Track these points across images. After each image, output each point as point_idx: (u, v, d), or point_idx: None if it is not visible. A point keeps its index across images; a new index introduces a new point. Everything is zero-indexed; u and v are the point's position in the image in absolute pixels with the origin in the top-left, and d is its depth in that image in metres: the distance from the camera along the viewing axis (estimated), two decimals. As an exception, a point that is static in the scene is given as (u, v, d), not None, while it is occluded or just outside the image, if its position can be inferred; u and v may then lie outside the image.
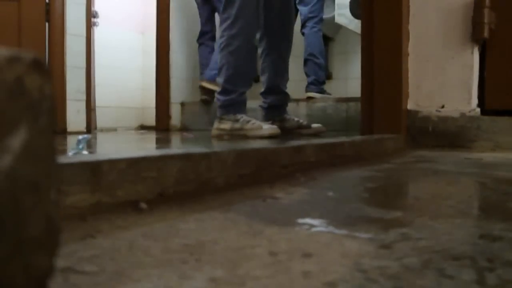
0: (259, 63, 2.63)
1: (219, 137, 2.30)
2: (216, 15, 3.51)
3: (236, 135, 2.25)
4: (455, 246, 0.54)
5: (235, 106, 2.30)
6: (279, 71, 2.54)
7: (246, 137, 2.20)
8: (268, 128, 2.22)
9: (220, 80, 2.33)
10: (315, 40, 3.51)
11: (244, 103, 2.36)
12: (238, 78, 2.29)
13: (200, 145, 1.70)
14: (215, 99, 2.42)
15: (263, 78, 2.58)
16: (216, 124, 2.36)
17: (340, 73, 4.30)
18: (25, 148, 0.30)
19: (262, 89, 2.59)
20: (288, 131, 2.55)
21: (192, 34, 3.89)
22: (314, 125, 2.60)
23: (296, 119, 2.62)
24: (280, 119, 2.57)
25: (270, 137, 2.17)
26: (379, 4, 2.14)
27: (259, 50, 2.58)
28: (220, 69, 2.32)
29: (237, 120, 2.27)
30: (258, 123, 2.26)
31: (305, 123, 2.61)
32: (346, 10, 3.67)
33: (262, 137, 2.16)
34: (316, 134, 2.51)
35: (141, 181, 0.75)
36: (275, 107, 2.58)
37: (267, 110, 2.60)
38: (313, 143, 1.34)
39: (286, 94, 2.62)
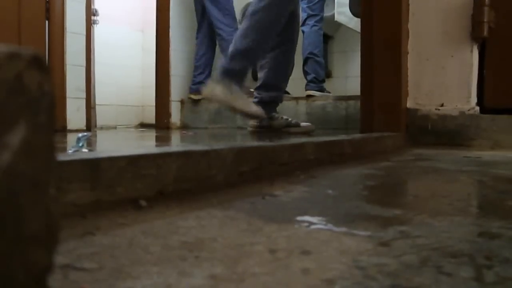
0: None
1: (209, 100, 2.29)
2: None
3: (225, 104, 2.26)
4: (454, 243, 0.54)
5: (235, 75, 2.29)
6: (280, 69, 2.53)
7: (233, 109, 2.24)
8: (255, 110, 2.24)
9: (232, 46, 2.32)
10: (315, 39, 3.50)
11: (244, 74, 2.34)
12: (252, 52, 2.29)
13: (199, 143, 1.70)
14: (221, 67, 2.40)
15: (260, 74, 2.57)
16: (211, 85, 2.33)
17: (339, 71, 4.30)
18: (25, 145, 0.30)
19: (258, 84, 2.58)
20: (276, 130, 2.54)
21: (192, 31, 3.88)
22: (303, 124, 2.59)
23: (284, 117, 2.60)
24: (269, 117, 2.57)
25: (253, 117, 2.23)
26: (379, 3, 2.13)
27: None
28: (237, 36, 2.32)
29: (230, 90, 2.27)
30: (249, 101, 2.28)
31: (294, 121, 2.59)
32: (346, 9, 3.66)
33: (246, 115, 2.21)
34: (305, 133, 2.50)
35: (141, 179, 0.76)
36: (265, 103, 2.56)
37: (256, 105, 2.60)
38: (312, 141, 1.34)
39: (282, 93, 2.61)
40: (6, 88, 0.29)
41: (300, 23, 3.60)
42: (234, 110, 2.23)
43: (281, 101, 2.66)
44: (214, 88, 2.29)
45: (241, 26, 2.33)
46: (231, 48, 2.32)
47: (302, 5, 3.55)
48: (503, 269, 0.45)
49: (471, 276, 0.43)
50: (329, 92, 3.59)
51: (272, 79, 2.53)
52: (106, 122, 4.59)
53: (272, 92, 2.55)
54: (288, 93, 3.77)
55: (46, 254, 0.33)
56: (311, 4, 3.52)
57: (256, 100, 2.58)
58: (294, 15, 2.50)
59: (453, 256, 0.49)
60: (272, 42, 2.36)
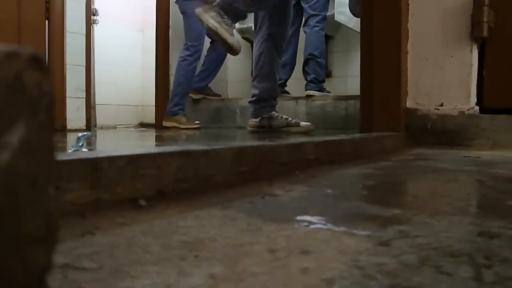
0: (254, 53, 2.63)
1: (199, 18, 2.37)
2: None
3: (210, 26, 2.32)
4: (453, 243, 0.54)
5: (229, 10, 2.36)
6: (275, 58, 2.54)
7: (216, 34, 2.31)
8: (235, 42, 2.33)
9: None
10: (315, 40, 3.48)
11: (238, 15, 2.42)
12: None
13: (199, 143, 1.70)
14: None
15: (255, 66, 2.58)
16: (207, 7, 2.39)
17: (339, 71, 4.30)
18: (24, 145, 0.30)
19: (255, 74, 2.59)
20: (276, 129, 2.54)
21: (192, 31, 3.88)
22: (303, 123, 2.59)
23: (284, 117, 2.60)
24: (268, 117, 2.56)
25: (229, 47, 2.33)
26: (379, 3, 2.13)
27: (257, 38, 2.57)
28: None
29: (221, 18, 2.33)
30: (232, 34, 2.35)
31: (293, 121, 2.59)
32: (346, 8, 3.66)
33: (225, 43, 2.31)
34: (305, 132, 2.50)
35: (140, 178, 0.76)
36: (263, 100, 2.57)
37: (255, 105, 2.59)
38: (312, 140, 1.34)
39: (277, 84, 2.62)
40: (5, 87, 0.29)
41: (302, 24, 3.60)
42: (216, 34, 2.31)
43: (277, 95, 2.66)
44: (208, 10, 2.35)
45: None
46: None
47: (303, 5, 3.54)
48: (503, 268, 0.45)
49: (470, 275, 0.43)
50: (329, 92, 3.59)
51: (269, 68, 2.53)
52: (106, 122, 4.59)
53: (265, 82, 2.55)
54: (288, 92, 3.77)
55: (45, 254, 0.33)
56: (311, 3, 3.50)
57: (254, 98, 2.58)
58: (287, 7, 2.51)
59: (453, 256, 0.49)
60: None
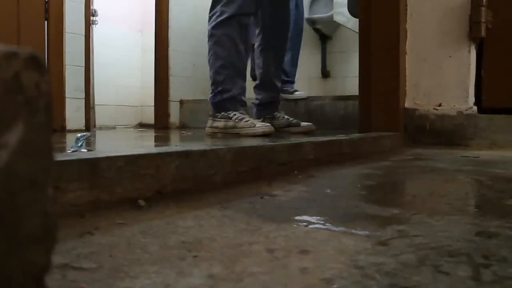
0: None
1: (213, 136, 2.28)
2: None
3: (229, 133, 2.24)
4: (452, 243, 0.54)
5: (225, 104, 2.27)
6: (273, 67, 2.54)
7: (239, 135, 2.18)
8: (261, 126, 2.19)
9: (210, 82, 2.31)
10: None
11: (234, 99, 2.30)
12: (228, 78, 2.25)
13: (198, 143, 1.70)
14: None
15: (257, 73, 2.58)
16: (210, 121, 2.34)
17: (338, 71, 4.30)
18: (22, 145, 0.30)
19: (256, 83, 2.59)
20: (277, 129, 2.54)
21: (191, 32, 3.88)
22: (304, 124, 2.59)
23: (286, 117, 2.61)
24: (270, 117, 2.57)
25: (263, 135, 2.14)
26: (377, 3, 2.14)
27: (255, 45, 2.57)
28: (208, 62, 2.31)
29: (230, 118, 2.25)
30: (251, 121, 2.24)
31: (294, 121, 2.60)
32: (344, 9, 3.66)
33: (255, 135, 2.13)
34: (306, 132, 2.50)
35: (140, 179, 0.76)
36: (266, 104, 2.58)
37: (258, 107, 2.60)
38: (311, 140, 1.34)
39: (279, 91, 2.62)
40: (4, 87, 0.29)
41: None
42: (240, 135, 2.17)
43: (280, 98, 2.67)
44: (214, 123, 2.29)
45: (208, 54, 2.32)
46: (211, 84, 2.31)
47: None
48: (501, 268, 0.45)
49: (468, 275, 0.43)
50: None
51: (269, 77, 2.53)
52: (105, 122, 4.58)
53: (271, 90, 2.56)
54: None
55: (44, 254, 0.33)
56: None
57: (256, 102, 2.59)
58: (285, 12, 2.49)
59: (451, 255, 0.49)
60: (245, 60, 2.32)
